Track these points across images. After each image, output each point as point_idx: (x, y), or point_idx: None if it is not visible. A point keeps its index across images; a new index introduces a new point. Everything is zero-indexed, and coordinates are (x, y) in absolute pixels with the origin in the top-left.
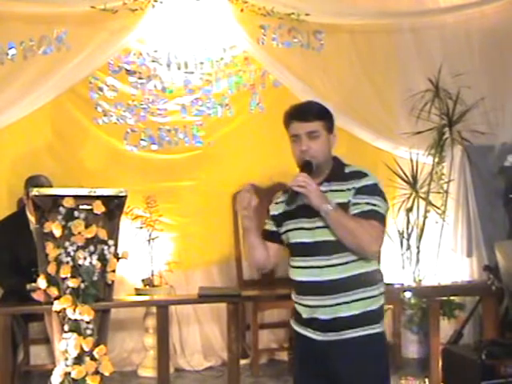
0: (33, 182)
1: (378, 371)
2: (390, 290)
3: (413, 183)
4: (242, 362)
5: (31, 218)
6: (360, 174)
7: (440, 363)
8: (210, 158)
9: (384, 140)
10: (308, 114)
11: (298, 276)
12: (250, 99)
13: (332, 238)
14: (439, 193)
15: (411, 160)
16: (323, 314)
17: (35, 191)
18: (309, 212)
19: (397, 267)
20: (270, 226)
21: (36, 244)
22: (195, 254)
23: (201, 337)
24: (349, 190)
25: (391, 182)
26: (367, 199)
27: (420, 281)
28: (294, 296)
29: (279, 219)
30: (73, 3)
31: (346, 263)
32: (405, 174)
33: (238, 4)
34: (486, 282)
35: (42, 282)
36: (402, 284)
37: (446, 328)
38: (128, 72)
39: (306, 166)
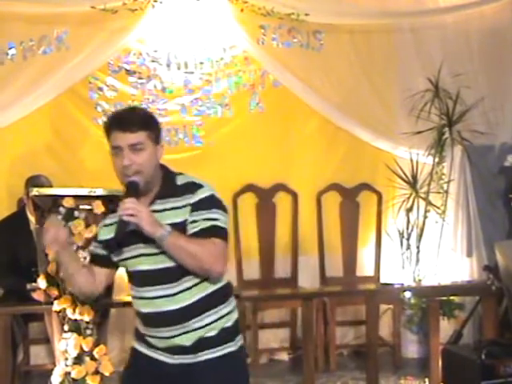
0: (33, 181)
1: None
2: (390, 290)
3: (413, 183)
4: None
5: (31, 218)
6: (194, 187)
7: (440, 363)
8: (210, 158)
9: (384, 140)
10: (131, 123)
11: (145, 308)
12: (250, 99)
13: (172, 264)
14: (439, 193)
15: (411, 160)
16: (184, 341)
17: (35, 191)
18: (145, 237)
19: (397, 267)
20: (100, 250)
21: (36, 244)
22: None
23: None
24: (184, 206)
25: (391, 182)
26: (205, 214)
27: (420, 281)
28: (141, 328)
29: (107, 246)
30: (73, 3)
31: (194, 286)
32: (405, 174)
33: (238, 4)
34: (485, 282)
35: (41, 282)
36: (402, 284)
37: (446, 328)
38: (128, 72)
39: (132, 188)
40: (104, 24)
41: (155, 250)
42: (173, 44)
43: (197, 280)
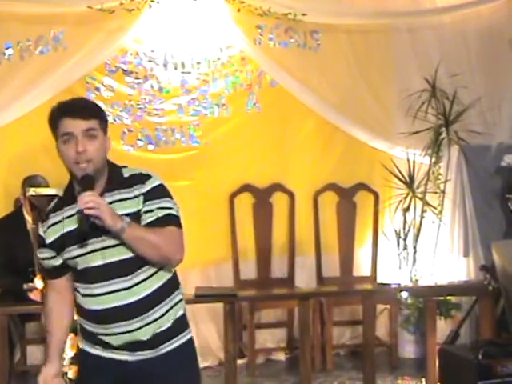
0: (30, 181)
1: (195, 378)
2: (387, 290)
3: (409, 183)
4: (239, 361)
5: (28, 218)
6: (143, 177)
7: (437, 363)
8: (207, 158)
9: (381, 140)
10: (84, 110)
11: (98, 305)
12: (247, 99)
13: (126, 256)
14: (436, 193)
15: (408, 160)
16: (142, 335)
17: (32, 191)
18: (95, 231)
19: (393, 267)
20: (54, 261)
21: (33, 244)
22: (192, 254)
23: (197, 337)
24: (136, 197)
25: (388, 182)
26: (158, 203)
27: (417, 281)
28: (93, 327)
29: (58, 245)
30: (70, 3)
31: (150, 277)
32: (401, 174)
33: (235, 4)
34: (482, 282)
35: (38, 282)
36: (399, 284)
37: (443, 328)
38: (125, 72)
39: (87, 181)
40: (101, 24)
41: (104, 244)
42: (170, 44)
43: (152, 270)
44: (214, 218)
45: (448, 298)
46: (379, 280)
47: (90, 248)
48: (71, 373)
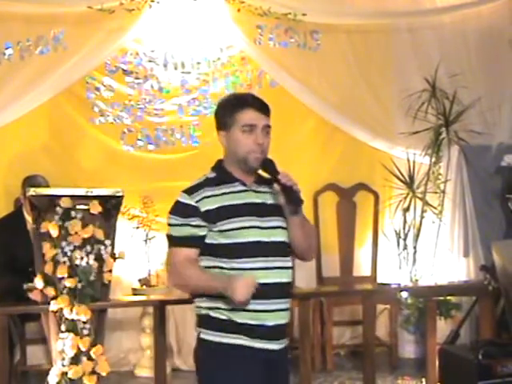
0: (30, 181)
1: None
2: (387, 290)
3: (409, 183)
4: None
5: (28, 218)
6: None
7: (437, 363)
8: (207, 158)
9: (381, 140)
10: (266, 107)
11: (261, 278)
12: None
13: (287, 240)
14: (436, 193)
15: (408, 160)
16: (283, 318)
17: (32, 191)
18: (258, 210)
19: (393, 267)
20: (202, 230)
21: (33, 244)
22: None
23: None
24: (277, 194)
25: (388, 181)
26: None
27: (417, 281)
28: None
29: (213, 215)
30: (70, 3)
31: (292, 266)
32: (401, 174)
33: (235, 4)
34: (482, 282)
35: (38, 282)
36: (399, 284)
37: (443, 328)
38: (125, 72)
39: (272, 163)
40: (101, 24)
41: (268, 224)
42: (170, 44)
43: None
44: None
45: (448, 298)
46: (379, 280)
47: (253, 223)
48: (71, 373)
